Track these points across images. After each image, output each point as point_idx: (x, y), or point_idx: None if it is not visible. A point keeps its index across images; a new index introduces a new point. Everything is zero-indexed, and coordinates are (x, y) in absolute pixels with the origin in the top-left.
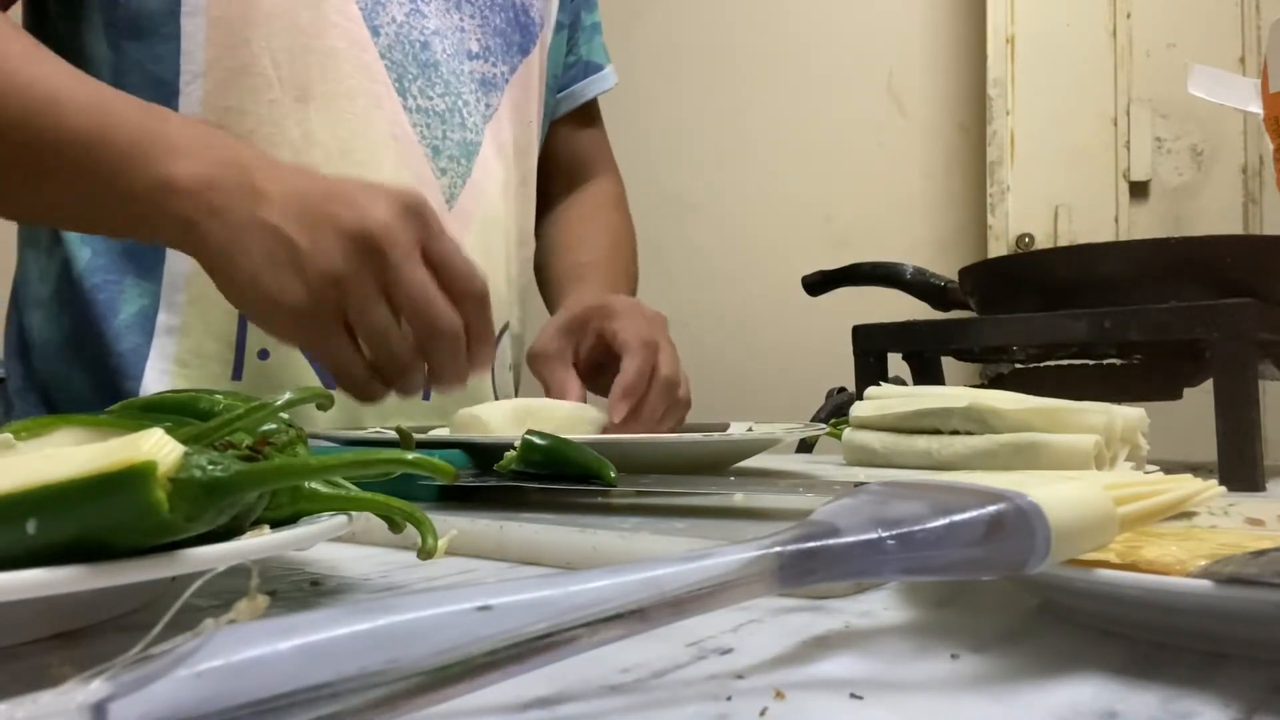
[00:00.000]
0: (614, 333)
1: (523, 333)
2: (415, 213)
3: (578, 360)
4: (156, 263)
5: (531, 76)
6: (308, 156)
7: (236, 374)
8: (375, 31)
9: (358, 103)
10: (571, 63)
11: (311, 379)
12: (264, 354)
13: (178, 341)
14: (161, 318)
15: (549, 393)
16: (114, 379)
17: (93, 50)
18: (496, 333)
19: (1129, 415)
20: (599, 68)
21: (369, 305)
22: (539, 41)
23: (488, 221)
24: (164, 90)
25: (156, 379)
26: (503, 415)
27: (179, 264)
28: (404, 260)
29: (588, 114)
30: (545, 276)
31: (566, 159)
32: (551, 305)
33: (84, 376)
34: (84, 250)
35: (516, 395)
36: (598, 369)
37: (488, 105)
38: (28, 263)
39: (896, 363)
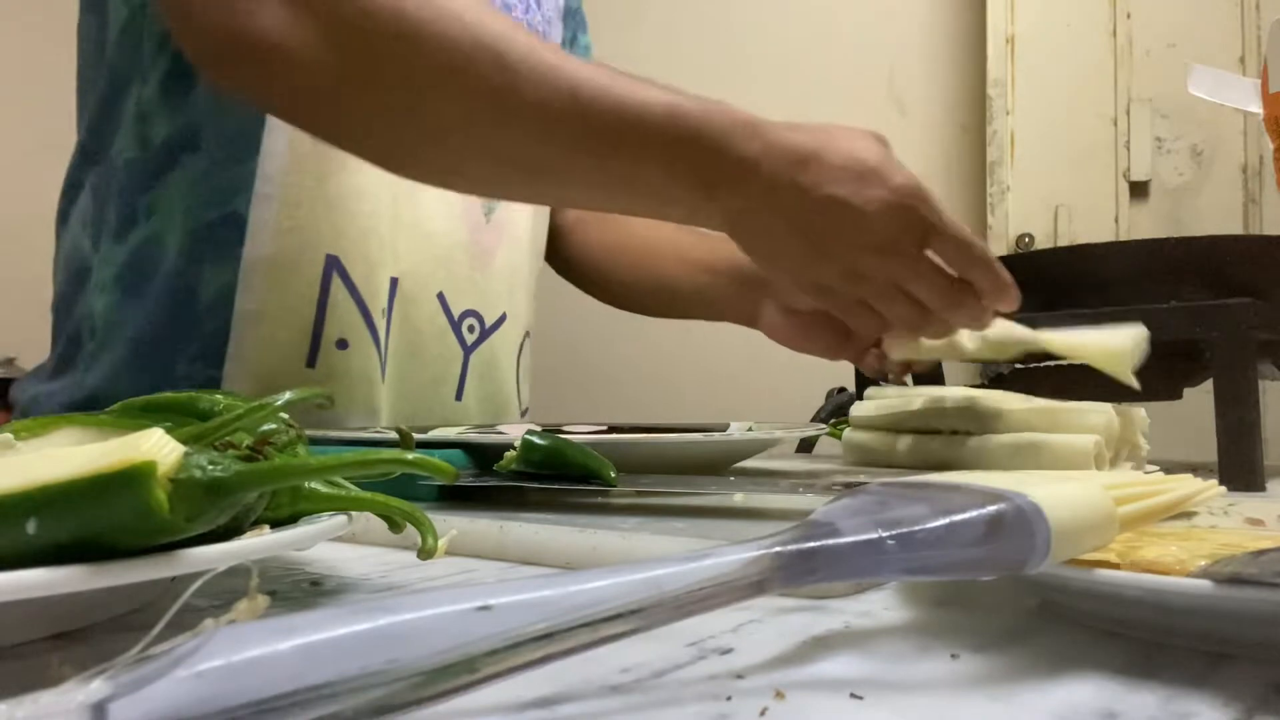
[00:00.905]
0: None
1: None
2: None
3: None
4: (234, 246)
5: None
6: (362, 177)
7: (310, 362)
8: None
9: None
10: None
11: (376, 374)
12: (343, 344)
13: (255, 328)
14: (240, 302)
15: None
16: (195, 365)
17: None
18: (521, 340)
19: (1129, 415)
20: None
21: (906, 282)
22: None
23: (515, 236)
24: (254, 114)
25: (235, 366)
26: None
27: (259, 248)
28: (934, 233)
29: None
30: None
31: None
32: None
33: (160, 365)
34: (170, 238)
35: (530, 400)
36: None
37: None
38: (91, 253)
39: None
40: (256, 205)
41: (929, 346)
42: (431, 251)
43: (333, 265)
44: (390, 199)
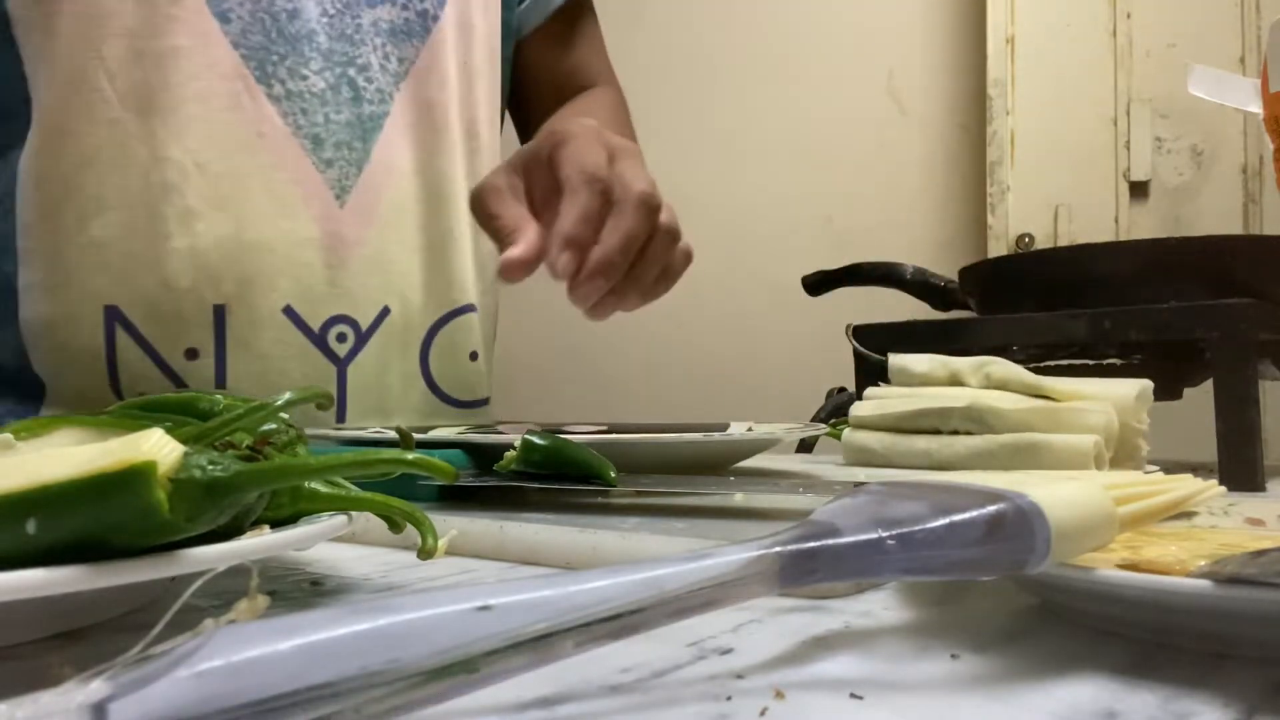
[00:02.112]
0: (559, 163)
1: (495, 310)
2: None
3: (532, 201)
4: (13, 309)
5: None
6: (159, 176)
7: None
8: (224, 17)
9: (210, 105)
10: None
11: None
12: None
13: (52, 390)
14: (34, 365)
15: (500, 236)
16: None
17: None
18: (428, 329)
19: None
20: None
21: None
22: None
23: (394, 210)
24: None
25: None
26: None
27: (33, 309)
28: None
29: (569, 19)
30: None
31: (550, 80)
32: None
33: None
34: None
35: (489, 388)
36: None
37: (401, 60)
38: None
39: None
40: (22, 263)
41: (932, 380)
42: (266, 262)
43: (114, 316)
44: (180, 220)
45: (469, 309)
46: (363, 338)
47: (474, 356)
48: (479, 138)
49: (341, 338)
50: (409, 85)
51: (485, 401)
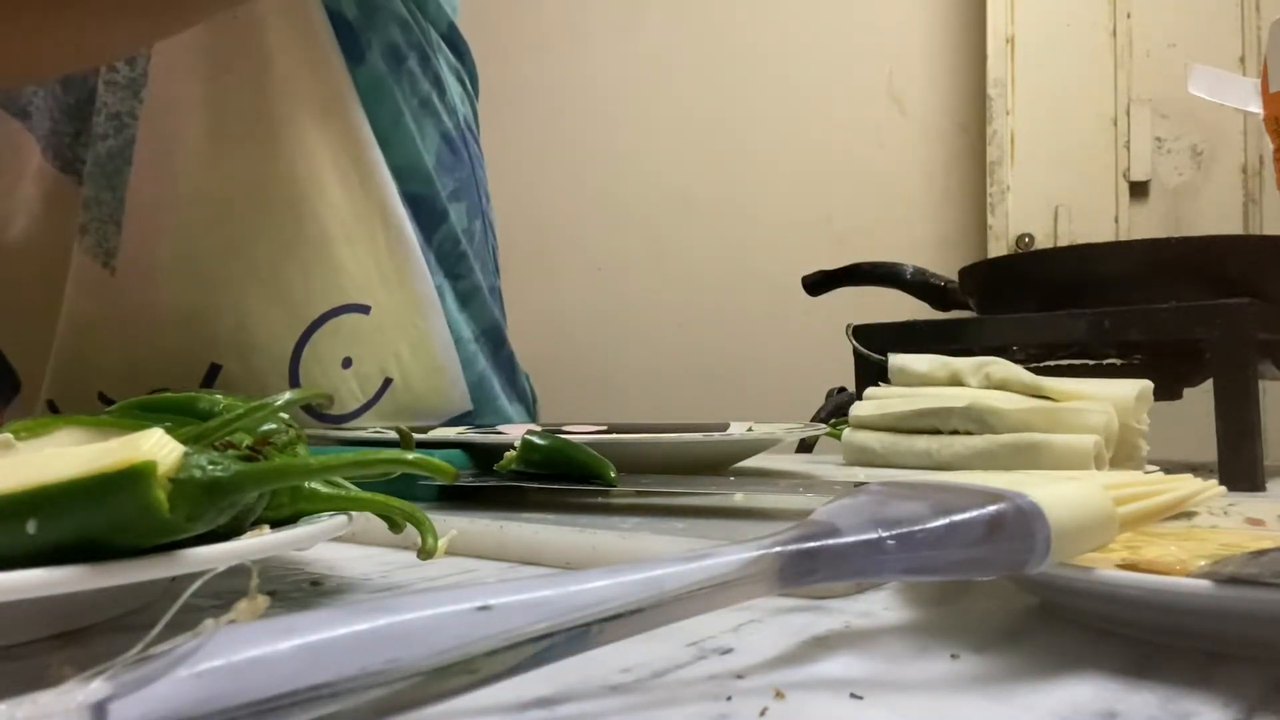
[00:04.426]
0: None
1: (413, 302)
2: None
3: None
4: None
5: None
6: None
7: None
8: (23, 113)
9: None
10: None
11: None
12: None
13: None
14: None
15: None
16: None
17: None
18: (315, 322)
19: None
20: None
21: None
22: None
23: (176, 252)
24: None
25: None
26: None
27: None
28: None
29: None
30: None
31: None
32: None
33: None
34: None
35: (362, 395)
36: None
37: (132, 64)
38: None
39: None
40: None
41: (932, 380)
42: (40, 364)
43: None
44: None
45: (345, 310)
46: None
47: (346, 363)
48: (268, 111)
49: None
50: (159, 84)
51: (355, 414)
